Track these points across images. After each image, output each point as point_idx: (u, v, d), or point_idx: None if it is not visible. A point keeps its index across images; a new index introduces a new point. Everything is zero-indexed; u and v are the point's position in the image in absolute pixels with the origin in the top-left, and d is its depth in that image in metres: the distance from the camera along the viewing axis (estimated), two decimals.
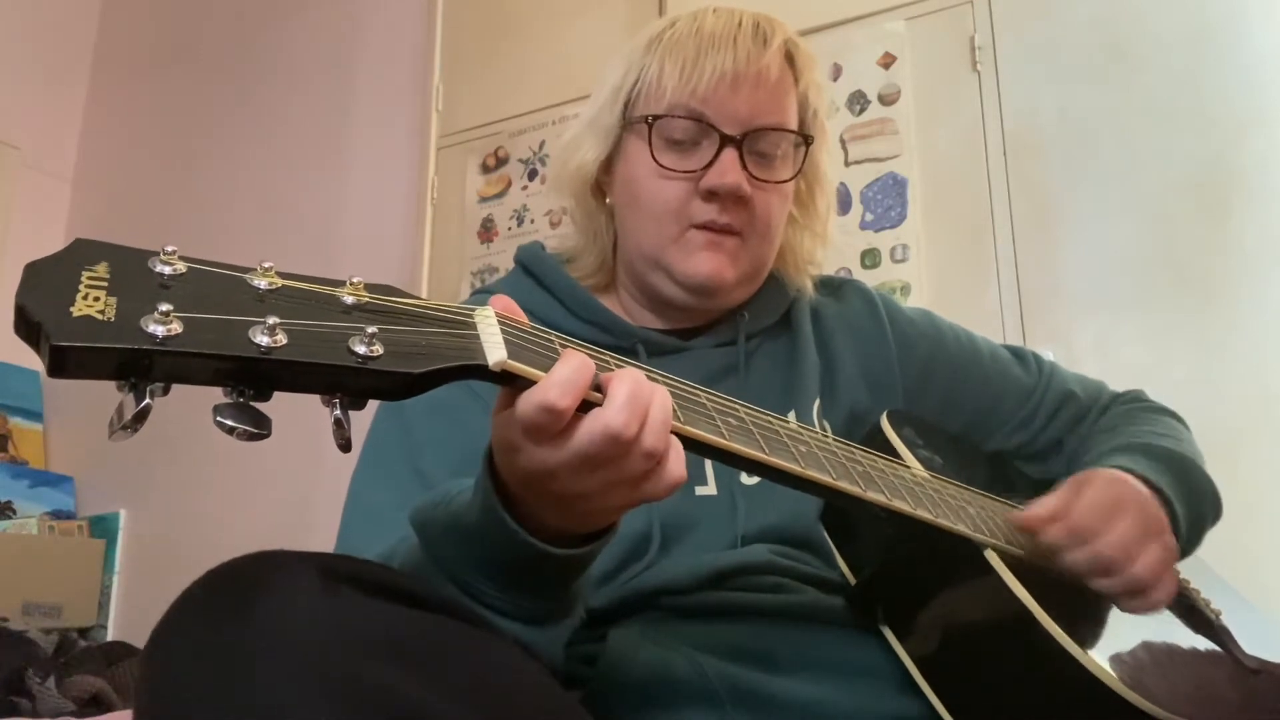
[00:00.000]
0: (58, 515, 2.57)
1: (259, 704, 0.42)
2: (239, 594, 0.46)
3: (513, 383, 0.51)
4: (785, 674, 0.71)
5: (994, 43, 1.82)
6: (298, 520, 2.29)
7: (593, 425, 0.51)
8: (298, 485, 2.30)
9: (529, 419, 0.50)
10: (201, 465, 2.45)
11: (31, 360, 2.77)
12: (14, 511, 2.50)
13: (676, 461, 0.53)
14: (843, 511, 0.80)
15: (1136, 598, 0.72)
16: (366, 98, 2.56)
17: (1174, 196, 1.65)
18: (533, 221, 2.25)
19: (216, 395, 0.43)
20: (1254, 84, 1.64)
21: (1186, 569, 0.93)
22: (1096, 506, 0.73)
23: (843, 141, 1.91)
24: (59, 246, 0.42)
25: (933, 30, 1.89)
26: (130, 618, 2.47)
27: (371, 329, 0.44)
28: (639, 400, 0.51)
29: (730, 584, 0.77)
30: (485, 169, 2.33)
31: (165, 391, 0.40)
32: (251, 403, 0.42)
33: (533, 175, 2.27)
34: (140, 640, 0.49)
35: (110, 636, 2.42)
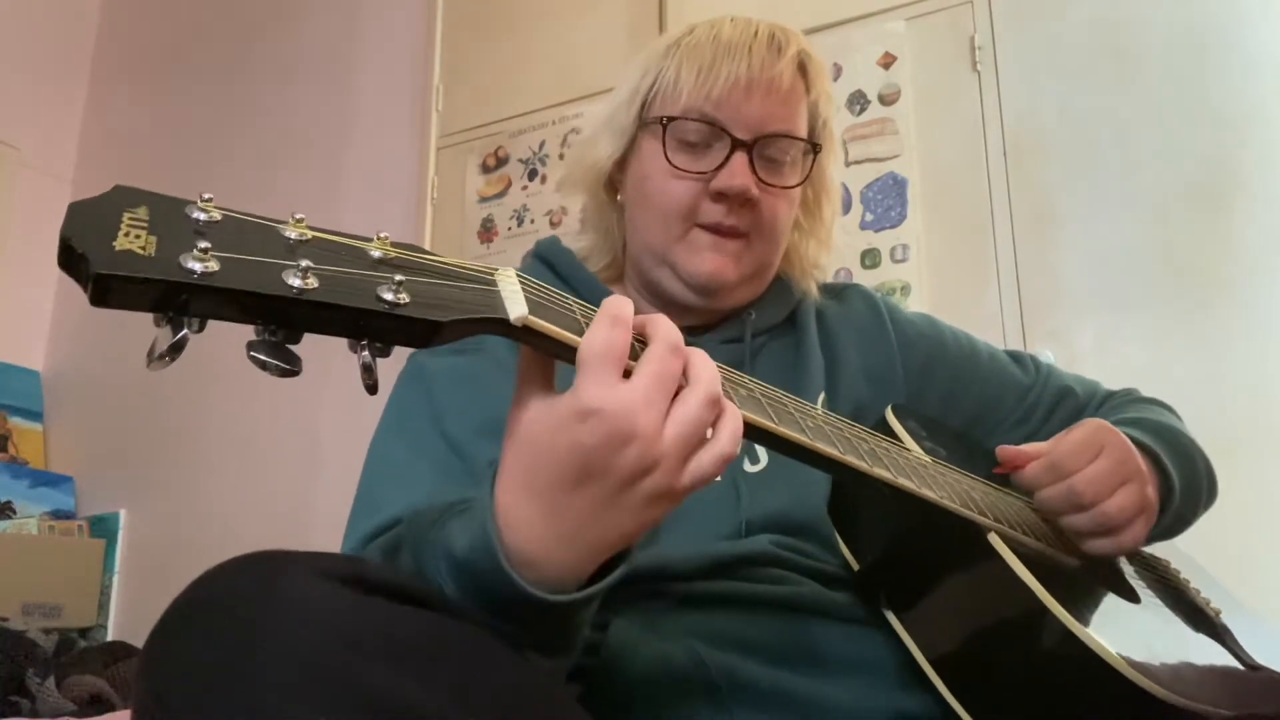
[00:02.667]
0: (58, 515, 2.57)
1: (258, 705, 0.42)
2: (238, 594, 0.46)
3: (532, 340, 0.51)
4: (786, 667, 0.71)
5: (994, 43, 1.83)
6: (298, 520, 2.29)
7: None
8: (298, 485, 2.30)
9: (595, 351, 0.51)
10: (201, 465, 2.45)
11: (31, 360, 2.77)
12: (14, 511, 2.50)
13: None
14: (848, 496, 0.80)
15: (1104, 537, 0.75)
16: (366, 98, 2.57)
17: (1174, 196, 1.65)
18: (533, 221, 2.25)
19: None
20: (1254, 84, 1.64)
21: (1187, 570, 0.93)
22: (1078, 446, 0.76)
23: (843, 141, 1.91)
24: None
25: (933, 30, 1.89)
26: (130, 618, 2.47)
27: (399, 278, 0.45)
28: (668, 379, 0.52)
29: (732, 574, 0.77)
30: (485, 169, 2.33)
31: (201, 328, 0.42)
32: (285, 344, 0.44)
33: (533, 175, 2.27)
34: (140, 640, 0.49)
35: (110, 636, 2.42)
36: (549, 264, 0.96)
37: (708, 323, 0.94)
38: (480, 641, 0.52)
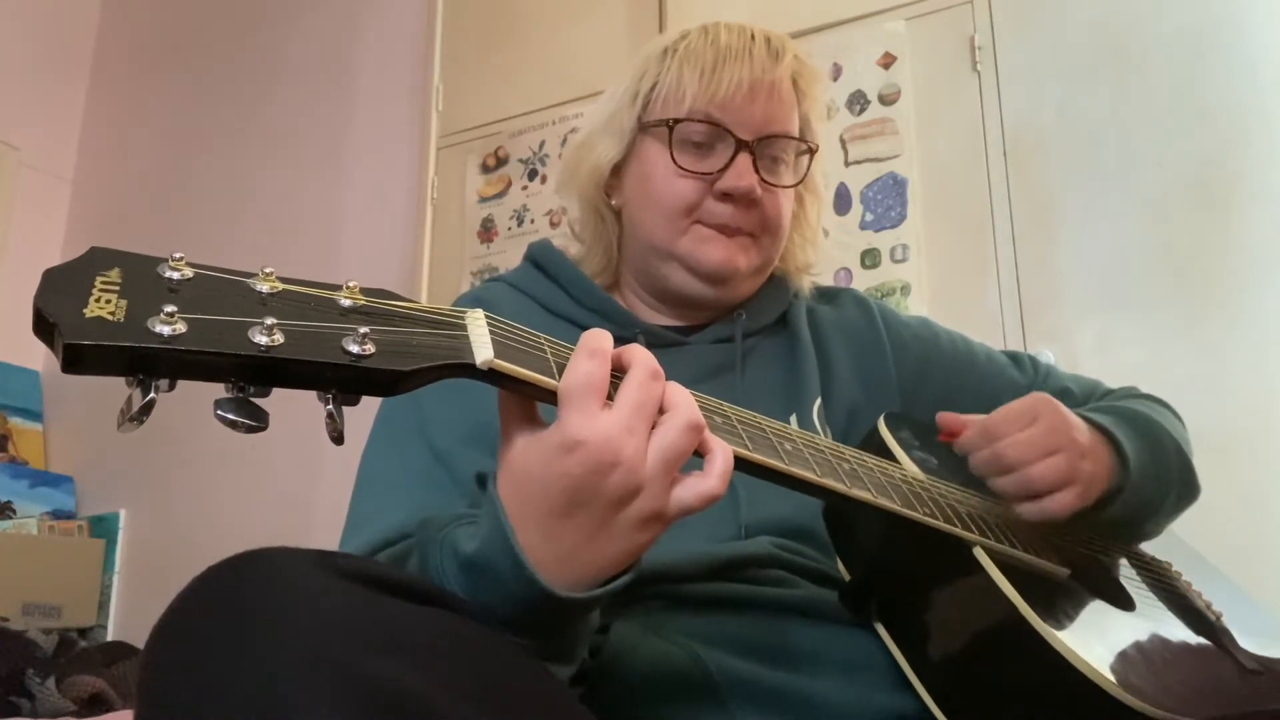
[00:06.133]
0: (58, 515, 2.57)
1: (260, 697, 0.41)
2: (239, 589, 0.46)
3: (502, 383, 0.52)
4: (786, 668, 0.71)
5: (994, 43, 1.83)
6: (298, 520, 2.29)
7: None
8: (298, 485, 2.30)
9: (576, 386, 0.52)
10: (201, 465, 2.46)
11: (32, 360, 2.77)
12: (14, 511, 2.50)
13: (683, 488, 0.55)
14: (839, 509, 0.80)
15: (1029, 501, 0.75)
16: (367, 98, 2.57)
17: (1174, 196, 1.65)
18: (533, 221, 2.25)
19: (219, 395, 0.45)
20: (1254, 84, 1.64)
21: (1187, 567, 0.93)
22: (1013, 413, 0.77)
23: (843, 141, 1.91)
24: (59, 246, 0.43)
25: (933, 30, 1.89)
26: (130, 618, 2.47)
27: (364, 329, 0.46)
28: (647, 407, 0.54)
29: (733, 575, 0.77)
30: (485, 169, 2.33)
31: (171, 387, 0.43)
32: (252, 398, 0.45)
33: (533, 175, 2.27)
34: (140, 640, 0.49)
35: (110, 636, 2.42)
36: (540, 266, 0.97)
37: (700, 323, 0.95)
38: (488, 640, 0.52)
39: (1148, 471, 0.83)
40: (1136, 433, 0.84)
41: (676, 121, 0.89)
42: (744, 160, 0.88)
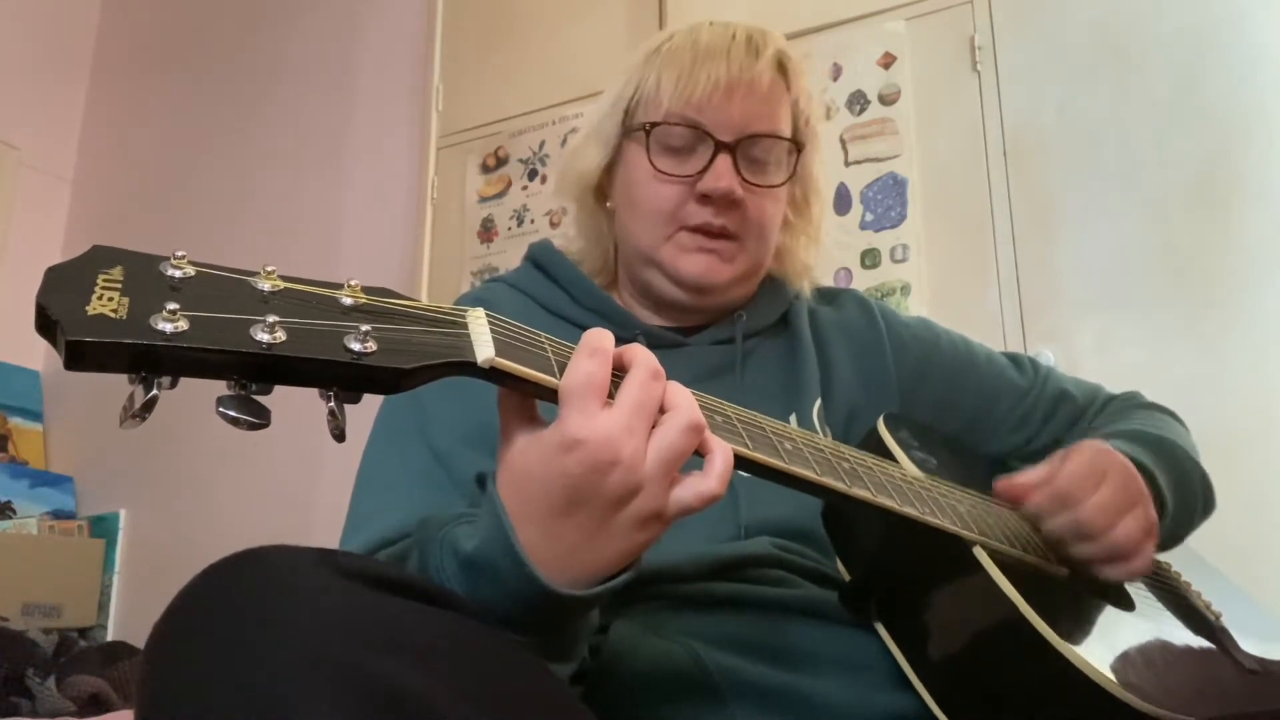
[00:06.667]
0: (58, 515, 2.57)
1: (260, 696, 0.41)
2: (240, 588, 0.46)
3: (503, 381, 0.52)
4: (786, 668, 0.71)
5: (994, 43, 1.83)
6: (298, 520, 2.29)
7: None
8: (298, 485, 2.30)
9: (577, 385, 0.52)
10: (201, 465, 2.46)
11: (32, 360, 2.77)
12: (14, 511, 2.50)
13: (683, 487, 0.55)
14: (838, 510, 0.80)
15: (1116, 564, 0.74)
16: (367, 98, 2.57)
17: (1174, 196, 1.65)
18: (533, 221, 2.25)
19: (220, 393, 0.45)
20: (1254, 84, 1.64)
21: (1187, 568, 0.93)
22: (1080, 474, 0.75)
23: (843, 141, 1.91)
24: (59, 246, 0.43)
25: (933, 30, 1.89)
26: (130, 618, 2.47)
27: (366, 327, 0.46)
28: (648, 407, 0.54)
29: (733, 575, 0.77)
30: (485, 169, 2.33)
31: (173, 385, 0.43)
32: (254, 396, 0.45)
33: (533, 175, 2.27)
34: (140, 640, 0.49)
35: (110, 636, 2.42)
36: (540, 266, 0.96)
37: (699, 324, 0.94)
38: (488, 639, 0.52)
39: (1180, 507, 0.84)
40: (1168, 466, 0.84)
41: (654, 125, 0.88)
42: (723, 161, 0.86)
